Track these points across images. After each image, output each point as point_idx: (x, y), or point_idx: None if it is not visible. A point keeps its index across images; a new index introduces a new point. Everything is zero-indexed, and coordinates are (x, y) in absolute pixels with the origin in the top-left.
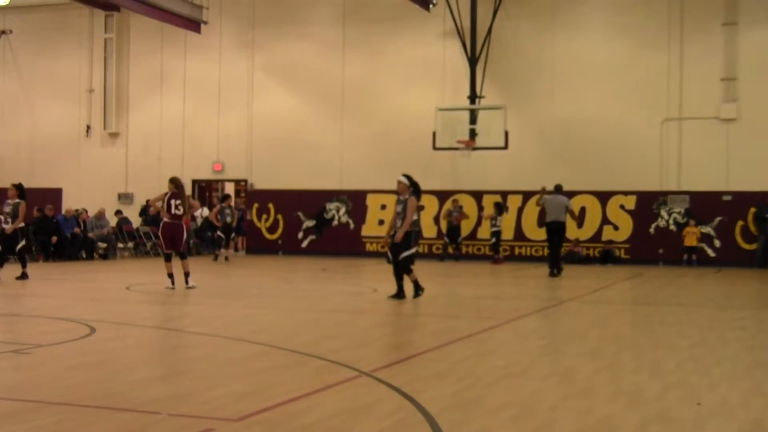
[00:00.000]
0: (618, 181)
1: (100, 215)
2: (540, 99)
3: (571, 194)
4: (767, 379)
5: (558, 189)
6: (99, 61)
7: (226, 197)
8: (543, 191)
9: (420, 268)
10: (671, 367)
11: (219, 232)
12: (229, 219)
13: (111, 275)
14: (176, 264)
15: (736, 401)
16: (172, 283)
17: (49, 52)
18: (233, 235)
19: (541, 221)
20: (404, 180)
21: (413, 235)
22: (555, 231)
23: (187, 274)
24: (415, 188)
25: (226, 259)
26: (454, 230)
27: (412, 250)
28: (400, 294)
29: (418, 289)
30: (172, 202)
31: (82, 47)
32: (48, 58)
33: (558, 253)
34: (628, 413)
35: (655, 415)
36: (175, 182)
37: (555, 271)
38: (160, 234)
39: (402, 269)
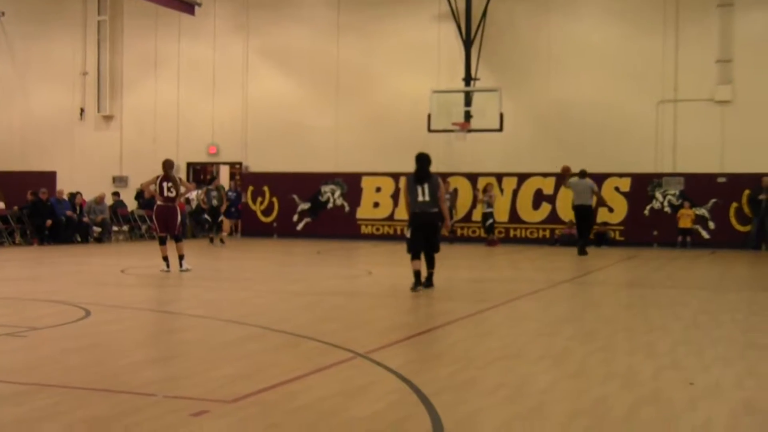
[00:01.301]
0: (613, 164)
1: (100, 200)
2: (535, 81)
3: (565, 176)
4: (760, 360)
5: (583, 173)
6: (93, 44)
7: (212, 179)
8: (566, 172)
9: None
10: (665, 348)
11: (206, 215)
12: (215, 202)
13: (106, 258)
14: (171, 247)
15: (729, 382)
16: (167, 266)
17: (43, 35)
18: (221, 218)
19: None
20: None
21: (411, 218)
22: (582, 214)
23: (181, 257)
24: (415, 170)
25: (222, 241)
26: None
27: (407, 233)
28: (426, 281)
29: (416, 282)
30: (164, 184)
31: (75, 30)
32: (41, 41)
33: (586, 235)
34: (622, 394)
35: (649, 396)
36: (167, 164)
37: (583, 249)
38: (153, 217)
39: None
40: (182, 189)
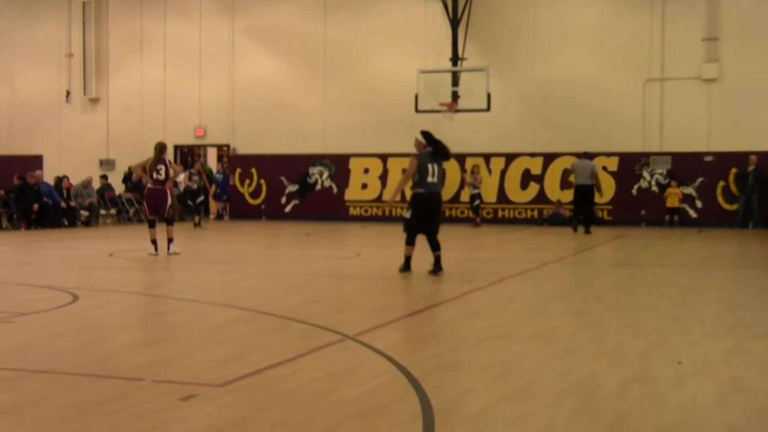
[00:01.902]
0: (600, 143)
1: (87, 183)
2: (522, 61)
3: (552, 156)
4: (747, 338)
5: (586, 154)
6: (77, 25)
7: (194, 163)
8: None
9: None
10: (653, 327)
11: (188, 200)
12: (195, 186)
13: (94, 242)
14: (160, 230)
15: (716, 359)
16: (156, 249)
17: (27, 17)
18: (200, 199)
19: (564, 184)
20: (419, 137)
21: (412, 198)
22: (583, 194)
23: (170, 240)
24: (434, 147)
25: (199, 223)
26: None
27: (407, 214)
28: (435, 266)
29: (405, 264)
30: (155, 167)
31: (60, 11)
32: (25, 23)
33: (590, 213)
34: (610, 372)
35: (637, 374)
36: (157, 147)
37: (587, 229)
38: (144, 200)
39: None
40: (171, 172)
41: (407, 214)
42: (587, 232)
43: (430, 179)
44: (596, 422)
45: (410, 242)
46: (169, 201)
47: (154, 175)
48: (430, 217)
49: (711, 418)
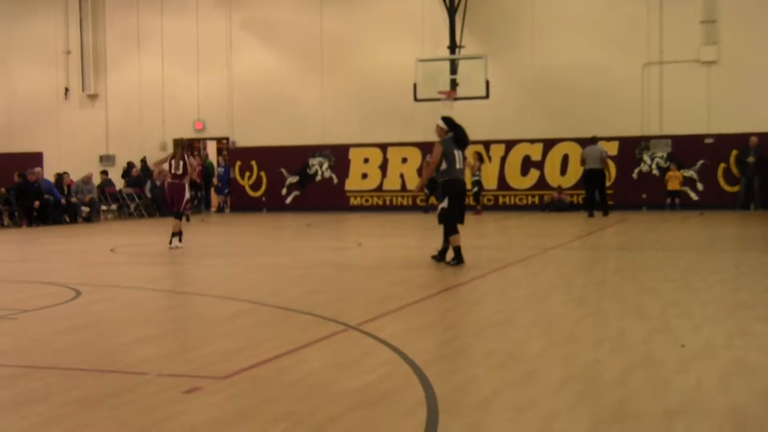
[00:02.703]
0: (600, 128)
1: (87, 179)
2: (520, 47)
3: (552, 142)
4: (750, 320)
5: (594, 139)
6: (75, 22)
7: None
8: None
9: (404, 220)
10: (655, 311)
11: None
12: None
13: (95, 238)
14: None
15: (719, 342)
16: (180, 240)
17: (23, 14)
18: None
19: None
20: (441, 123)
21: (445, 186)
22: (594, 178)
23: (173, 234)
24: (456, 133)
25: (188, 219)
26: (434, 182)
27: (443, 204)
28: (439, 255)
29: (456, 256)
30: (172, 162)
31: (56, 8)
32: (22, 20)
33: (603, 197)
34: (614, 358)
35: (640, 359)
36: (178, 144)
37: (606, 212)
38: (166, 194)
39: (444, 226)
40: (189, 167)
41: (443, 204)
42: (605, 214)
43: (458, 165)
44: (600, 407)
45: (454, 230)
46: (186, 195)
47: (173, 170)
48: (460, 204)
49: (715, 401)
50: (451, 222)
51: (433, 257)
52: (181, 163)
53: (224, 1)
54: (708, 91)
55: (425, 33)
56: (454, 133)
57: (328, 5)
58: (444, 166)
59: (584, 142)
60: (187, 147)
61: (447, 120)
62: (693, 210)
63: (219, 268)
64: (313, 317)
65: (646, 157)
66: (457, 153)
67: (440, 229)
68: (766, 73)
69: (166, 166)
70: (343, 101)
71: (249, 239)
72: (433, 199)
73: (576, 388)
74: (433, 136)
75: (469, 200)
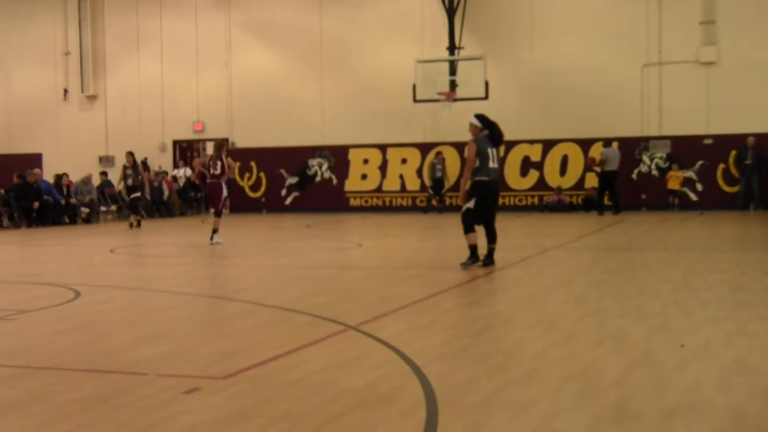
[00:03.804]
0: (599, 128)
1: (87, 180)
2: (519, 48)
3: (552, 143)
4: (749, 320)
5: (609, 142)
6: (74, 23)
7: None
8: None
9: (404, 221)
10: (655, 311)
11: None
12: (130, 182)
13: (95, 239)
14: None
15: (719, 342)
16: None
17: (22, 15)
18: (135, 195)
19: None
20: (474, 121)
21: (475, 186)
22: (612, 179)
23: (214, 231)
24: (491, 130)
25: (138, 224)
26: (437, 183)
27: (469, 203)
28: (487, 258)
29: (471, 256)
30: (211, 163)
31: (55, 9)
32: (21, 21)
33: (616, 197)
34: (614, 358)
35: (640, 358)
36: (216, 145)
37: (618, 210)
38: (205, 193)
39: (463, 223)
40: (227, 168)
41: (468, 204)
42: (618, 212)
43: (491, 164)
44: (600, 407)
45: (471, 229)
46: (224, 194)
47: (211, 170)
48: (491, 205)
49: (715, 401)
50: (471, 221)
51: (484, 263)
52: (219, 163)
53: (223, 2)
54: (707, 92)
55: (424, 34)
56: (489, 131)
57: (328, 6)
58: (477, 164)
59: (584, 143)
60: (224, 148)
61: (481, 117)
62: (692, 210)
63: (219, 268)
64: (313, 318)
65: (645, 158)
66: (491, 151)
67: (439, 229)
68: (765, 73)
69: (201, 167)
70: (342, 102)
71: (249, 240)
72: (434, 201)
73: (576, 388)
74: (432, 137)
75: None
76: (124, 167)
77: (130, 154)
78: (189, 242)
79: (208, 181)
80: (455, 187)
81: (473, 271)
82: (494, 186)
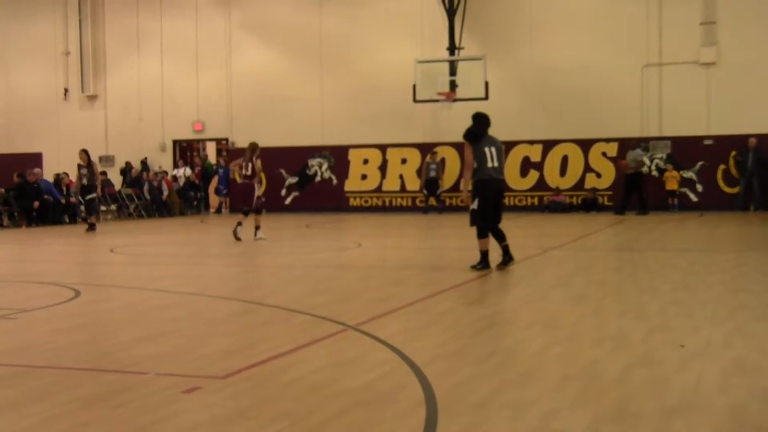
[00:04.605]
0: (599, 129)
1: None
2: (519, 48)
3: (552, 143)
4: (749, 320)
5: (638, 144)
6: (74, 23)
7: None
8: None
9: (404, 221)
10: (655, 310)
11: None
12: (85, 181)
13: (94, 238)
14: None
15: (718, 342)
16: (238, 233)
17: (23, 14)
18: (90, 196)
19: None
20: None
21: (476, 186)
22: (639, 180)
23: (257, 228)
24: (474, 124)
25: (92, 227)
26: (431, 183)
27: (473, 205)
28: (505, 257)
29: (482, 261)
30: (242, 164)
31: (56, 9)
32: (22, 21)
33: (642, 197)
34: (613, 357)
35: (640, 358)
36: (249, 147)
37: (643, 211)
38: (237, 193)
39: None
40: (256, 169)
41: (473, 206)
42: (646, 213)
43: (490, 164)
44: (600, 406)
45: (483, 235)
46: (256, 193)
47: (243, 171)
48: (495, 205)
49: (714, 401)
50: (480, 224)
51: (499, 266)
52: (250, 165)
53: (223, 2)
54: (707, 93)
55: (424, 34)
56: (476, 128)
57: (328, 5)
58: (475, 165)
59: (584, 143)
60: (257, 150)
61: (474, 116)
62: (692, 211)
63: (218, 267)
64: (313, 317)
65: (645, 159)
66: (488, 150)
67: (439, 230)
68: (765, 74)
69: (237, 168)
70: (342, 102)
71: (248, 239)
72: (432, 201)
73: (576, 388)
74: (431, 137)
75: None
76: (79, 166)
77: (84, 152)
78: (188, 240)
79: (239, 181)
80: (455, 187)
81: (472, 271)
82: (496, 184)
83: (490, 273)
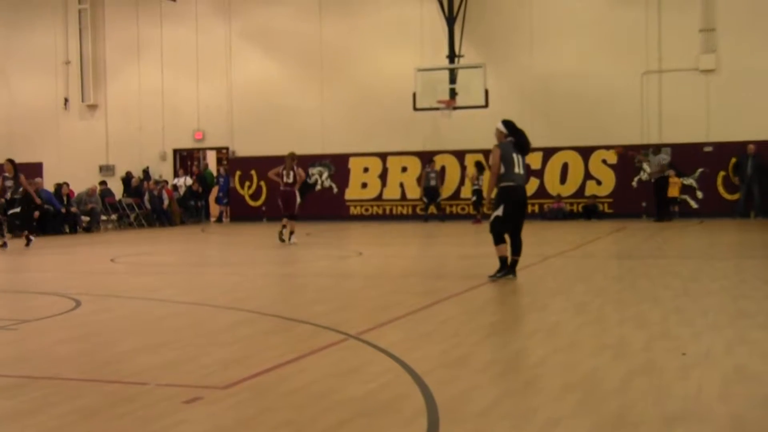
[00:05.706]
0: (599, 136)
1: (92, 192)
2: (519, 56)
3: (552, 150)
4: (750, 328)
5: (659, 149)
6: (74, 33)
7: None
8: (635, 154)
9: (404, 229)
10: (656, 318)
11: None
12: (8, 194)
13: (95, 248)
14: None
15: (719, 350)
16: (282, 237)
17: (23, 24)
18: (14, 210)
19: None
20: (500, 126)
21: (502, 192)
22: (665, 184)
23: (291, 233)
24: (516, 136)
25: (4, 245)
26: (430, 191)
27: (497, 211)
28: (505, 269)
29: (501, 268)
30: (284, 172)
31: (56, 18)
32: (22, 30)
33: (661, 203)
34: (614, 366)
35: (641, 366)
36: (289, 156)
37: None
38: (278, 199)
39: (492, 233)
40: (298, 177)
41: (497, 212)
42: (661, 220)
43: (517, 170)
44: (601, 415)
45: (501, 241)
46: (298, 200)
47: (284, 179)
48: (519, 213)
49: (716, 409)
50: (500, 230)
51: (492, 276)
52: (292, 173)
53: (223, 11)
54: (707, 100)
55: (424, 42)
56: (515, 138)
57: (328, 14)
58: (502, 170)
59: (584, 150)
60: (296, 159)
61: (507, 123)
62: (693, 218)
63: (219, 277)
64: (314, 326)
65: (645, 166)
66: (516, 157)
67: (439, 238)
68: (764, 81)
69: (275, 176)
70: (342, 110)
71: (249, 248)
72: (433, 209)
73: (577, 396)
74: (431, 145)
75: (469, 209)
76: (3, 177)
77: (10, 161)
78: (188, 250)
79: (281, 188)
80: (454, 195)
81: (473, 279)
82: (521, 192)
83: (511, 279)
